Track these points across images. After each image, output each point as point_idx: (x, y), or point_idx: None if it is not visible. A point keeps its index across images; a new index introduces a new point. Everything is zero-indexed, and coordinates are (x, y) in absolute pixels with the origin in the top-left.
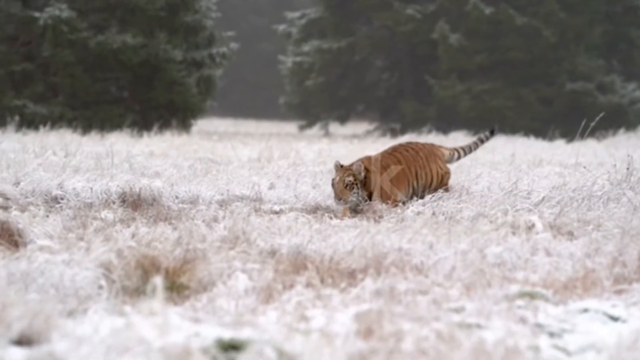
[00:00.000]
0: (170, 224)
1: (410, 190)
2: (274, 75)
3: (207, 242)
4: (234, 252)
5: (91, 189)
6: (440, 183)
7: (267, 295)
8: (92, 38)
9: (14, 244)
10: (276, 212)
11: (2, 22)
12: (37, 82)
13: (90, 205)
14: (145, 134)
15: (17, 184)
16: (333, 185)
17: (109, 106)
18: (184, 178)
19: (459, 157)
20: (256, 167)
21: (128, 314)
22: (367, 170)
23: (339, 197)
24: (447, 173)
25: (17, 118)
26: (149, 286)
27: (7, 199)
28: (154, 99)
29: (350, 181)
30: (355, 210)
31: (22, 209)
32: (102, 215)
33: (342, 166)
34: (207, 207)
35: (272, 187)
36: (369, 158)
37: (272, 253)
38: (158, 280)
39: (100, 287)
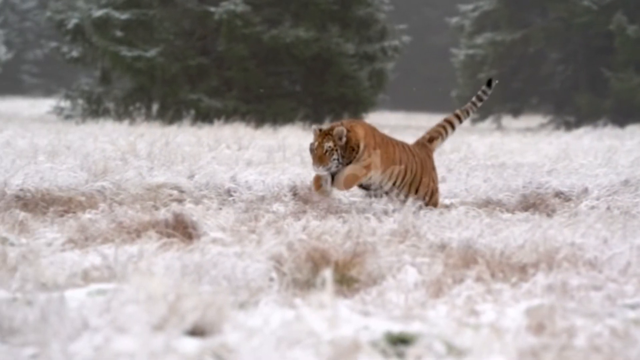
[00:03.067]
0: (340, 217)
1: (389, 186)
2: (446, 68)
3: (376, 235)
4: (404, 246)
5: (263, 182)
6: (426, 197)
7: (437, 289)
8: (265, 32)
9: (188, 236)
10: (446, 206)
11: (179, 18)
12: (212, 77)
13: (262, 198)
14: None
15: (191, 177)
16: (311, 150)
17: (282, 100)
18: None
19: (447, 135)
20: None
21: (298, 307)
22: (355, 137)
23: (317, 164)
24: (436, 190)
25: (192, 112)
26: (319, 279)
27: (181, 191)
28: (325, 92)
29: (329, 147)
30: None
31: (196, 202)
32: (274, 208)
33: (321, 130)
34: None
35: (442, 180)
36: (363, 125)
37: (442, 247)
38: (328, 273)
39: (271, 279)
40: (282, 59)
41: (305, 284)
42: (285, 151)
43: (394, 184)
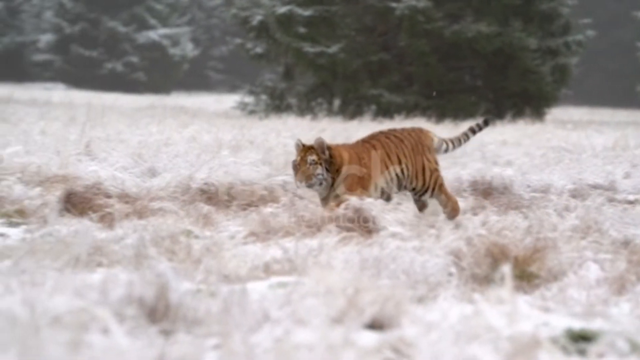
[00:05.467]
0: (520, 212)
1: (394, 180)
2: (631, 63)
3: (557, 231)
4: (585, 242)
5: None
6: (431, 180)
7: (620, 286)
8: (447, 27)
9: (367, 230)
10: (630, 202)
11: (361, 14)
12: (393, 72)
13: None
14: (498, 122)
15: None
16: (294, 167)
17: (463, 95)
18: (535, 167)
19: (447, 150)
20: (610, 156)
21: (477, 302)
22: (332, 154)
23: (299, 178)
24: (437, 170)
25: (373, 107)
26: (498, 274)
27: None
28: (507, 87)
29: (313, 160)
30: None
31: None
32: None
33: (303, 145)
34: (559, 196)
35: (627, 176)
36: (339, 146)
37: (625, 243)
38: (507, 269)
39: (450, 274)
40: (463, 54)
41: (484, 279)
42: (465, 146)
43: (399, 181)
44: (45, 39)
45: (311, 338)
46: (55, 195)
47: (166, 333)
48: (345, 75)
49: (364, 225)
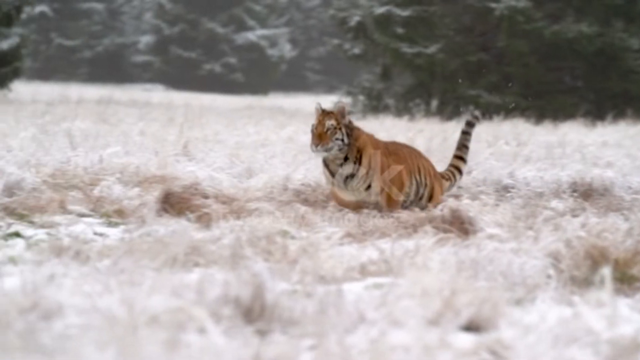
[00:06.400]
0: (621, 214)
1: (414, 186)
2: None
3: None
4: None
5: (541, 178)
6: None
7: None
8: (547, 28)
9: (464, 231)
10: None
11: (459, 13)
12: (492, 72)
13: (540, 195)
14: (599, 123)
15: (468, 172)
16: (311, 131)
17: (563, 96)
18: (637, 168)
19: (452, 185)
20: None
21: (576, 304)
22: (355, 128)
23: (315, 142)
24: (434, 176)
25: (471, 108)
26: (597, 277)
27: (459, 187)
28: (608, 88)
29: (332, 125)
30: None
31: (473, 198)
32: (552, 205)
33: (323, 110)
34: None
35: None
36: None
37: None
38: (607, 271)
39: (548, 276)
40: (563, 55)
41: (583, 282)
42: (565, 147)
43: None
44: (145, 40)
45: (407, 339)
46: (153, 195)
47: (262, 333)
48: (444, 75)
49: (461, 227)
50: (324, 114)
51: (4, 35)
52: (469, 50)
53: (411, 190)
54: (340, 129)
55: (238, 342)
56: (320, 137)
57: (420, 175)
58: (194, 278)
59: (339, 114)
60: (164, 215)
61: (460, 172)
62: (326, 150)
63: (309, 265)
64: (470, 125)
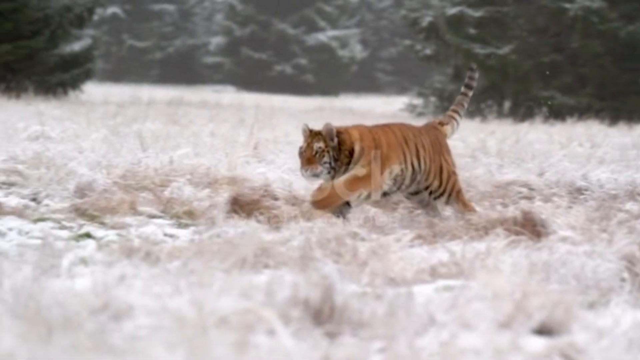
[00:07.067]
0: None
1: (409, 171)
2: None
3: None
4: None
5: (615, 180)
6: (448, 184)
7: None
8: (621, 28)
9: (536, 234)
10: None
11: (533, 14)
12: (566, 73)
13: (614, 197)
14: None
15: (541, 174)
16: (300, 154)
17: (637, 97)
18: None
19: (458, 124)
20: None
21: None
22: (349, 139)
23: (304, 166)
24: (455, 174)
25: (544, 109)
26: None
27: (531, 189)
28: None
29: (320, 147)
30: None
31: (546, 200)
32: (627, 207)
33: (311, 131)
34: None
35: None
36: (358, 127)
37: None
38: None
39: (622, 279)
40: (638, 55)
41: None
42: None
43: (413, 177)
44: (216, 41)
45: (477, 342)
46: (223, 196)
47: (331, 335)
48: (516, 76)
49: (533, 229)
50: (312, 135)
51: (76, 37)
52: (542, 51)
53: (406, 174)
54: (328, 151)
55: (307, 344)
56: (309, 161)
57: (419, 158)
58: (263, 279)
59: (327, 136)
60: (234, 217)
61: (457, 120)
62: (314, 175)
63: (378, 267)
64: (469, 87)
